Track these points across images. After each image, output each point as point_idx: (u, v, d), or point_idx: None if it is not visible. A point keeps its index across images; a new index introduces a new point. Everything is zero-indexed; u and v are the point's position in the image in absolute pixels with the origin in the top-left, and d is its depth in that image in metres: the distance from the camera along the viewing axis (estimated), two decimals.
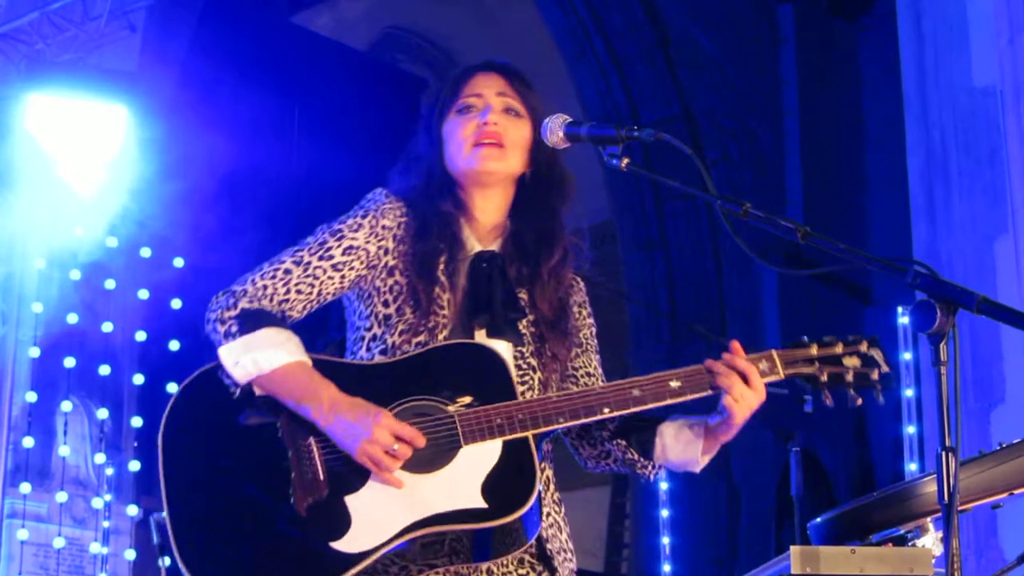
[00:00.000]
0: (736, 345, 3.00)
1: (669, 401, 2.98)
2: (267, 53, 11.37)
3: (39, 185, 8.40)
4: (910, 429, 8.51)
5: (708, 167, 3.01)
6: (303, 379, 2.89)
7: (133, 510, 8.89)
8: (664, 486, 10.80)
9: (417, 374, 2.94)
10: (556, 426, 2.94)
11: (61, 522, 8.48)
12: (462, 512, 2.84)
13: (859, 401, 3.02)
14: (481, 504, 2.84)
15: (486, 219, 3.17)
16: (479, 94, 3.17)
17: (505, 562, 2.98)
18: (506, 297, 3.08)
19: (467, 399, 2.92)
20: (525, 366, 3.06)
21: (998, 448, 3.63)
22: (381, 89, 12.03)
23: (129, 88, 8.51)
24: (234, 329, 2.90)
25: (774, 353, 3.03)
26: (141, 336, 8.83)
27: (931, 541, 3.60)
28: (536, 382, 3.07)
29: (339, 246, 3.03)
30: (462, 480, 2.86)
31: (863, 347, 3.03)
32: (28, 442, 8.41)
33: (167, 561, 9.16)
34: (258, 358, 2.88)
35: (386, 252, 3.07)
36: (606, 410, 2.95)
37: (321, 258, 3.01)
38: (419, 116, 3.30)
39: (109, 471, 8.79)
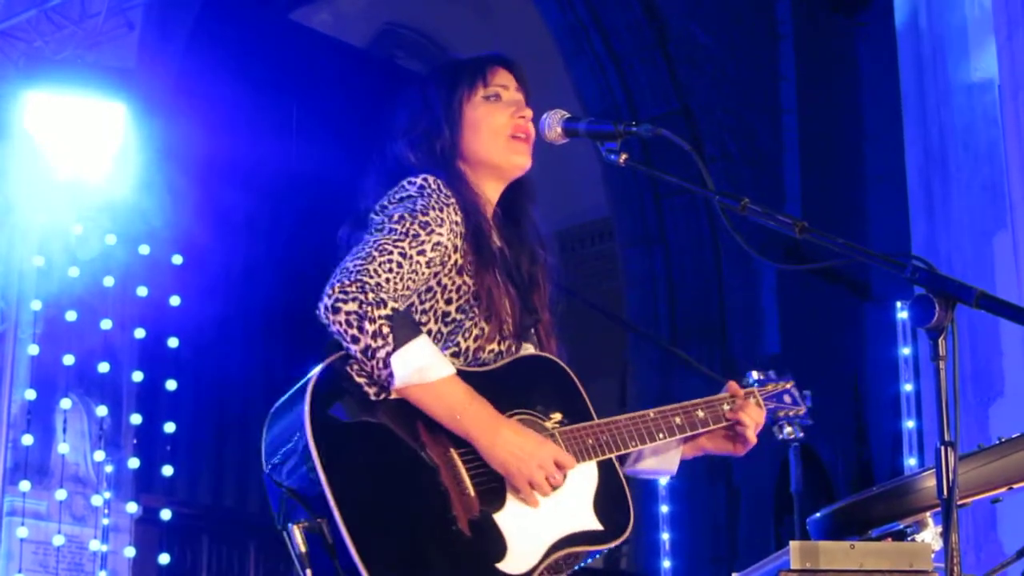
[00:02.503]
0: (734, 385, 3.29)
1: (699, 430, 3.20)
2: (265, 50, 11.37)
3: (37, 182, 8.39)
4: (909, 424, 8.52)
5: (706, 163, 3.03)
6: (463, 394, 2.81)
7: (133, 507, 8.89)
8: (663, 481, 10.81)
9: (509, 386, 2.93)
10: (631, 448, 3.03)
11: (61, 520, 8.47)
12: (587, 533, 2.90)
13: (792, 435, 3.38)
14: (598, 526, 2.91)
15: (489, 212, 3.13)
16: (505, 86, 3.14)
17: None
18: (527, 296, 3.09)
19: (558, 415, 2.96)
20: None
21: (997, 443, 3.63)
22: (379, 86, 12.02)
23: (127, 85, 8.49)
24: (386, 331, 2.75)
25: (756, 391, 3.32)
26: (140, 333, 8.82)
27: (930, 536, 3.60)
28: None
29: (429, 241, 2.90)
30: (576, 500, 2.91)
31: (789, 385, 3.39)
32: (27, 440, 8.40)
33: (165, 559, 9.18)
34: (423, 368, 2.78)
35: (456, 249, 2.97)
36: (660, 436, 3.10)
37: (419, 253, 2.88)
38: (418, 88, 3.20)
39: (108, 468, 8.78)
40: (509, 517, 2.82)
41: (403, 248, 2.87)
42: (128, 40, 8.93)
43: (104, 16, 8.54)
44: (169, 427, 8.96)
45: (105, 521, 8.68)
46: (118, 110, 8.42)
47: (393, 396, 2.79)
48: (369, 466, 2.75)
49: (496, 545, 2.79)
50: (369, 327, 2.75)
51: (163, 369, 8.84)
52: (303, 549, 2.71)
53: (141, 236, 8.73)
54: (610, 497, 2.95)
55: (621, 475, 2.99)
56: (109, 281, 8.73)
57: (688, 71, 12.43)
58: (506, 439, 2.81)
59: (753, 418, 3.21)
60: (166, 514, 9.13)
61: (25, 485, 8.37)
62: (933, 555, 3.48)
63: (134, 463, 8.91)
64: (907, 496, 3.58)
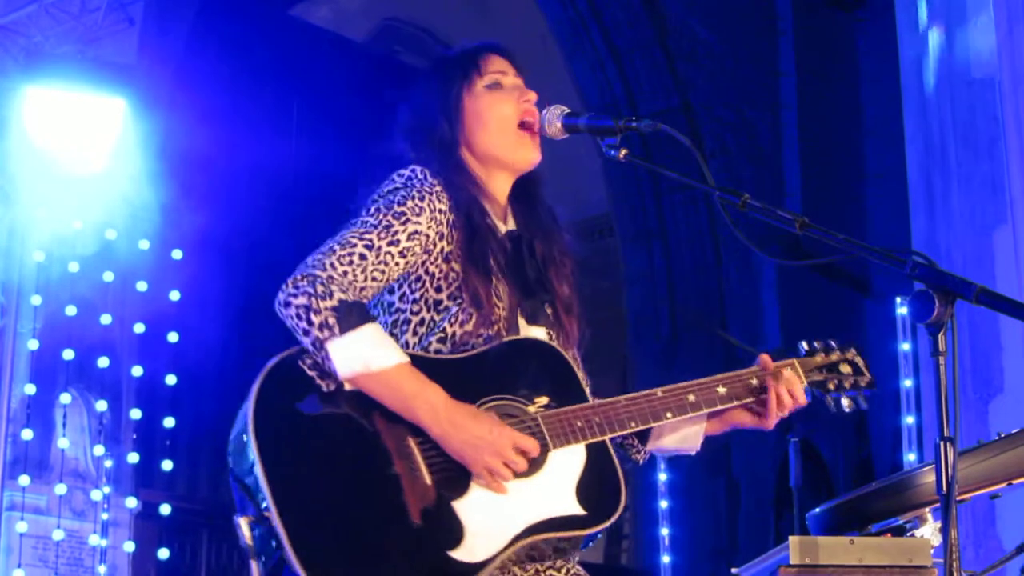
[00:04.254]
0: (767, 359, 3.14)
1: (718, 407, 3.08)
2: (265, 45, 11.37)
3: (37, 177, 8.40)
4: (909, 419, 8.52)
5: (706, 158, 3.02)
6: (413, 381, 2.78)
7: (132, 502, 8.90)
8: (663, 477, 10.81)
9: (492, 371, 2.88)
10: (628, 430, 2.95)
11: (60, 514, 8.48)
12: (564, 519, 2.81)
13: (853, 407, 3.17)
14: (579, 511, 2.82)
15: (498, 200, 3.12)
16: (503, 72, 3.13)
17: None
18: (538, 279, 3.06)
19: (544, 399, 2.89)
20: None
21: (996, 438, 3.64)
22: (379, 81, 12.02)
23: (127, 80, 8.50)
24: (331, 321, 2.74)
25: (796, 363, 3.16)
26: (140, 328, 8.83)
27: (930, 531, 3.61)
28: None
29: (404, 231, 2.90)
30: (557, 485, 2.83)
31: (850, 355, 3.22)
32: (27, 434, 8.41)
33: (164, 553, 9.18)
34: (368, 356, 2.75)
35: (441, 237, 2.95)
36: (668, 415, 3.00)
37: (390, 243, 2.88)
38: (418, 90, 3.19)
39: (108, 463, 8.80)
40: (472, 504, 2.76)
41: (370, 240, 2.87)
42: (128, 35, 8.93)
43: (104, 11, 8.54)
44: (169, 422, 8.97)
45: (105, 516, 8.70)
46: (118, 105, 8.43)
47: (348, 388, 2.77)
48: (313, 458, 2.73)
49: (451, 533, 2.73)
50: (316, 319, 2.74)
51: (163, 364, 8.85)
52: (249, 542, 2.72)
53: (141, 231, 8.74)
54: (597, 481, 2.85)
55: (614, 458, 2.89)
56: (109, 276, 8.74)
57: (688, 67, 12.42)
58: (459, 427, 2.76)
59: (786, 389, 3.08)
60: (165, 509, 9.14)
61: (25, 480, 8.38)
62: (932, 550, 3.49)
63: (134, 458, 8.92)
64: (906, 492, 3.58)
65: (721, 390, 3.06)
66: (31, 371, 8.55)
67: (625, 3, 12.35)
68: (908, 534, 3.63)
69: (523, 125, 3.09)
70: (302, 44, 12.09)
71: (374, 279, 2.87)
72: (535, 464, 2.83)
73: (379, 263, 2.87)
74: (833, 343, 3.23)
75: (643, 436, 3.15)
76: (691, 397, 3.02)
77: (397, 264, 2.91)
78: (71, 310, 8.60)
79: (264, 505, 2.69)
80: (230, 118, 9.47)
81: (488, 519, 2.76)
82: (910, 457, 8.36)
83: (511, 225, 3.11)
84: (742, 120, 12.37)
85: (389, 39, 14.28)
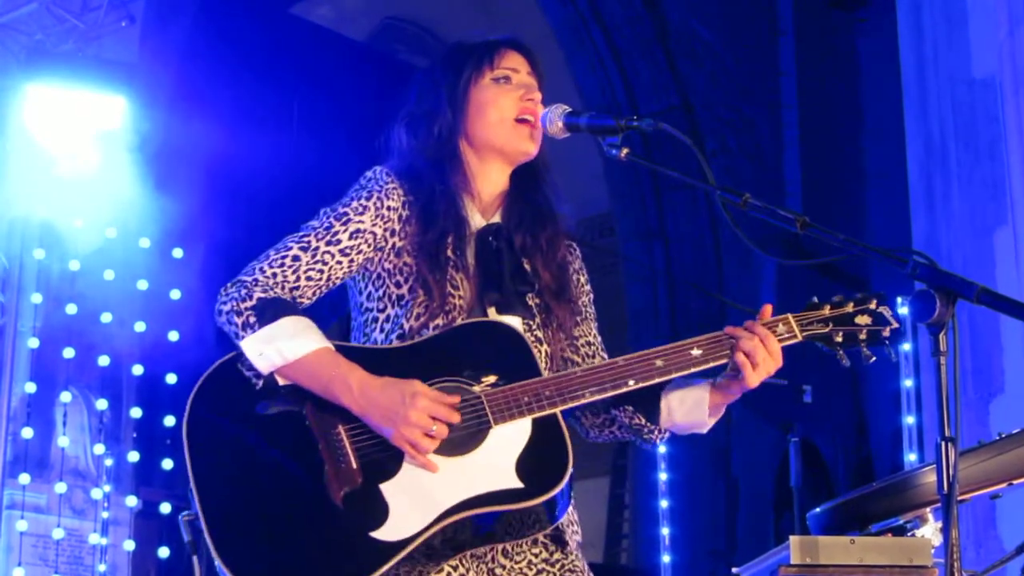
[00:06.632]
0: (768, 309, 3.04)
1: (692, 370, 2.98)
2: (266, 44, 11.36)
3: (38, 175, 8.39)
4: (909, 419, 8.51)
5: (707, 158, 3.00)
6: (330, 365, 2.84)
7: (132, 501, 8.90)
8: (663, 476, 10.80)
9: (438, 356, 2.90)
10: (582, 401, 2.91)
11: (60, 513, 8.48)
12: (499, 493, 2.79)
13: (872, 358, 3.02)
14: (517, 484, 2.80)
15: (488, 192, 3.14)
16: (515, 69, 3.15)
17: (520, 541, 2.94)
18: (515, 269, 3.07)
19: (492, 378, 2.89)
20: (533, 339, 3.03)
21: (997, 438, 3.64)
22: (380, 80, 12.02)
23: (128, 79, 8.49)
24: (252, 320, 2.85)
25: (790, 317, 3.06)
26: (140, 327, 8.82)
27: (930, 531, 3.61)
28: (543, 355, 3.05)
29: (346, 230, 2.98)
30: (496, 461, 2.82)
31: (872, 304, 3.05)
32: (27, 433, 8.41)
33: (165, 552, 9.18)
34: (282, 347, 2.84)
35: (392, 234, 3.02)
36: (631, 382, 2.93)
37: (329, 243, 2.96)
38: (427, 71, 3.22)
39: (108, 462, 8.79)
40: (400, 485, 2.79)
41: (308, 241, 2.97)
42: (129, 34, 8.93)
43: (105, 10, 8.54)
44: (169, 421, 8.96)
45: (105, 514, 8.69)
46: (119, 103, 8.42)
47: (282, 383, 2.86)
48: (239, 457, 2.84)
49: (374, 514, 2.76)
50: (239, 320, 2.87)
51: (163, 363, 8.84)
52: (188, 538, 2.91)
53: (142, 229, 8.73)
54: (541, 455, 2.83)
55: (564, 432, 2.86)
56: (109, 275, 8.73)
57: (688, 66, 12.42)
58: (374, 400, 2.80)
59: (759, 343, 2.95)
60: (166, 508, 9.14)
61: (25, 478, 8.38)
62: (933, 550, 3.49)
63: (134, 457, 8.92)
64: (907, 491, 3.59)
65: (696, 352, 2.98)
66: (31, 369, 8.54)
67: (626, 3, 12.36)
68: (909, 534, 3.63)
69: (521, 121, 3.10)
70: (303, 43, 12.08)
71: (309, 278, 2.95)
72: (474, 441, 2.83)
73: (315, 262, 2.95)
74: (855, 294, 3.07)
75: (652, 415, 3.11)
76: (659, 362, 2.96)
77: (339, 263, 2.98)
78: (71, 308, 8.59)
79: (194, 505, 2.84)
80: (231, 116, 9.46)
81: (415, 498, 2.78)
82: (910, 457, 8.36)
83: (496, 219, 3.13)
84: (742, 120, 12.38)
85: (389, 38, 14.28)
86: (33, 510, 8.48)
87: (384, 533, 2.75)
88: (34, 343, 8.51)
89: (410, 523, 2.76)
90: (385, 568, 2.73)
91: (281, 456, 2.83)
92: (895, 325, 3.04)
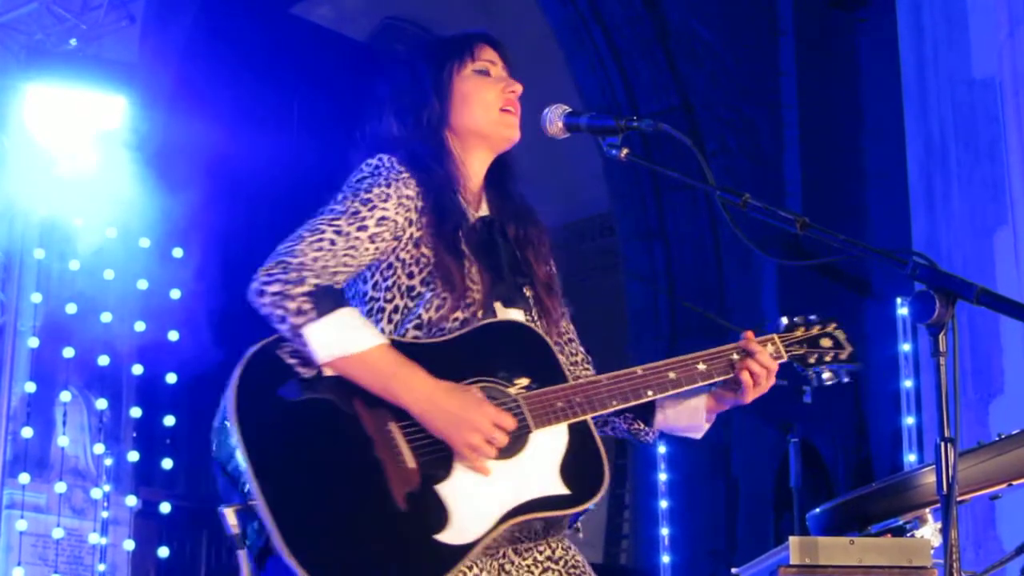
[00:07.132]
0: (750, 335, 3.15)
1: (699, 383, 3.09)
2: (266, 43, 11.37)
3: (38, 175, 8.39)
4: (909, 420, 8.52)
5: (707, 158, 3.03)
6: (393, 363, 2.79)
7: (132, 500, 8.90)
8: (663, 477, 10.80)
9: (470, 354, 2.89)
10: (609, 409, 2.96)
11: (60, 513, 8.47)
12: (551, 499, 2.82)
13: (835, 380, 3.22)
14: (564, 490, 2.83)
15: (474, 183, 3.15)
16: (492, 62, 3.18)
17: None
18: (512, 262, 3.08)
19: (524, 381, 2.90)
20: None
21: (997, 439, 3.64)
22: (380, 80, 12.01)
23: (128, 78, 8.49)
24: (307, 307, 2.77)
25: (776, 338, 3.19)
26: (140, 326, 8.82)
27: (930, 532, 3.61)
28: None
29: (372, 216, 2.92)
30: (540, 466, 2.84)
31: (831, 328, 3.25)
32: (27, 432, 8.40)
33: (164, 552, 9.18)
34: (345, 339, 2.77)
35: (410, 224, 2.98)
36: (650, 392, 3.02)
37: (359, 228, 2.90)
38: (405, 64, 3.26)
39: (108, 461, 8.79)
40: (455, 487, 2.77)
41: (339, 226, 2.89)
42: (129, 33, 8.93)
43: (105, 9, 8.54)
44: (169, 420, 8.97)
45: (104, 514, 8.69)
46: (119, 103, 8.42)
47: (328, 373, 2.79)
48: (295, 444, 2.74)
49: (435, 516, 2.73)
50: (291, 305, 2.77)
51: (163, 362, 8.84)
52: (235, 531, 2.74)
53: (141, 229, 8.73)
54: (580, 461, 2.87)
55: (597, 438, 2.91)
56: (109, 274, 8.73)
57: (688, 66, 12.43)
58: (439, 404, 2.77)
59: (761, 366, 3.09)
60: (165, 507, 9.15)
61: (25, 478, 8.37)
62: (932, 551, 3.49)
63: (134, 456, 8.92)
64: (907, 492, 3.59)
65: (701, 367, 3.07)
66: (31, 369, 8.53)
67: (626, 3, 12.36)
68: (908, 535, 3.63)
69: (504, 111, 3.13)
70: (303, 42, 12.09)
71: (345, 264, 2.90)
72: (517, 445, 2.84)
73: (349, 248, 2.89)
74: (813, 317, 3.26)
75: (647, 417, 3.18)
76: (672, 375, 3.04)
77: (367, 249, 2.93)
78: (71, 308, 8.59)
79: (247, 490, 2.69)
80: (231, 116, 9.46)
81: (473, 501, 2.77)
82: (910, 458, 8.37)
83: (484, 211, 3.14)
84: (743, 120, 12.38)
85: (390, 38, 14.28)
86: (33, 510, 8.48)
87: (448, 536, 2.73)
88: (34, 342, 8.51)
89: (473, 526, 2.75)
90: (451, 572, 2.72)
91: (338, 452, 2.74)
92: (850, 350, 3.23)
